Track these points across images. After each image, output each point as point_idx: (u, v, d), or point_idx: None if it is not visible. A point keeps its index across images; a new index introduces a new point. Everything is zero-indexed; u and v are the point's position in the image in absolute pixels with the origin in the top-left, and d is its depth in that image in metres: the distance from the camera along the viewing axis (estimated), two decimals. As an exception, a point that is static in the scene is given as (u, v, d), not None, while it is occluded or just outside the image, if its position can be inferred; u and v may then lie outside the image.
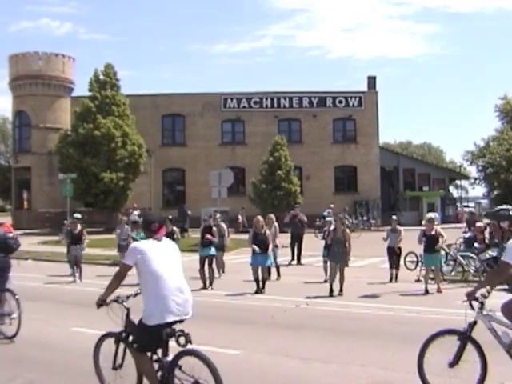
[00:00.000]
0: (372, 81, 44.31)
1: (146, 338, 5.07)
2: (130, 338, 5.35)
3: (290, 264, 18.55)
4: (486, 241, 15.80)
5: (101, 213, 34.98)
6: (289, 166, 35.76)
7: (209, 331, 8.86)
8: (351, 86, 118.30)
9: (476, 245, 15.91)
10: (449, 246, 14.63)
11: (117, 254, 17.34)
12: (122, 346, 5.51)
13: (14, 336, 8.15)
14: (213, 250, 14.32)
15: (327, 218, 17.60)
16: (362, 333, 8.83)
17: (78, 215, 17.23)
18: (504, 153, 47.93)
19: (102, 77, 35.72)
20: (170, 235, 17.00)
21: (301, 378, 6.51)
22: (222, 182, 22.61)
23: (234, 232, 27.94)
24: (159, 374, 5.08)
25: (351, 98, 43.17)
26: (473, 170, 57.37)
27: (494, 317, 5.60)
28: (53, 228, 30.98)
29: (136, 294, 5.50)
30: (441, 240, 13.14)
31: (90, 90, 35.55)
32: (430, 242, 13.06)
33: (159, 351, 5.16)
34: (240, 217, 34.39)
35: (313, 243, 19.90)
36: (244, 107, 42.56)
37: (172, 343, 5.14)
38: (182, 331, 5.04)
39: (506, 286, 13.04)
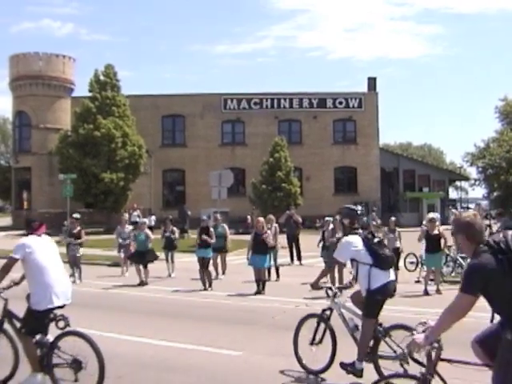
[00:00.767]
0: (372, 82, 44.38)
1: (35, 323, 5.76)
2: (5, 324, 5.97)
3: (289, 265, 18.60)
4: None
5: (101, 213, 35.02)
6: (289, 167, 35.81)
7: (209, 332, 8.87)
8: (352, 86, 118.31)
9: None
10: (449, 247, 14.61)
11: (117, 255, 17.34)
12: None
13: None
14: (209, 252, 14.22)
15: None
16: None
17: (77, 215, 17.22)
18: (504, 154, 47.99)
19: (102, 77, 35.81)
20: (169, 235, 17.11)
21: (301, 378, 6.52)
22: (222, 182, 22.61)
23: (241, 233, 27.97)
24: (39, 353, 5.77)
25: (351, 99, 43.22)
26: (473, 172, 57.53)
27: (343, 304, 6.56)
28: (53, 228, 30.93)
29: (9, 287, 5.96)
30: (442, 242, 13.13)
31: (90, 91, 35.62)
32: (433, 242, 13.03)
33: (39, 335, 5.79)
34: (249, 217, 34.29)
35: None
36: (244, 108, 42.60)
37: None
38: (62, 315, 5.78)
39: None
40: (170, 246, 16.74)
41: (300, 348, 6.67)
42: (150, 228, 20.84)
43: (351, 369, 6.09)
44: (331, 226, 14.07)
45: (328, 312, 6.56)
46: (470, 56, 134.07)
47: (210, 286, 13.87)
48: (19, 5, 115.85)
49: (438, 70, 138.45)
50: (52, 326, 5.81)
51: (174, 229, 17.50)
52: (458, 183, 57.66)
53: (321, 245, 14.65)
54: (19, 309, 5.93)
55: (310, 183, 41.29)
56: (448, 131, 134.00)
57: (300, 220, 20.01)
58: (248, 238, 14.54)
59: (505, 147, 48.46)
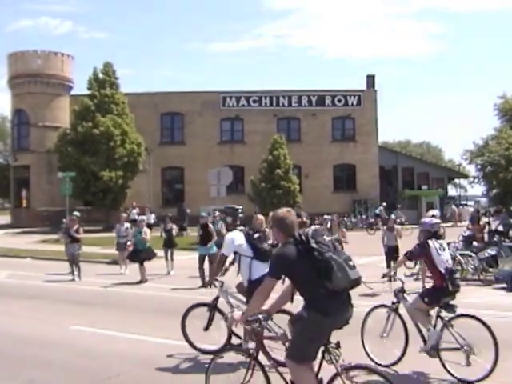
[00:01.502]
0: (371, 79, 44.31)
1: None
2: None
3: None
4: (485, 239, 15.82)
5: (100, 211, 35.00)
6: (288, 165, 35.77)
7: (208, 329, 8.86)
8: (350, 84, 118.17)
9: (475, 243, 15.93)
10: (448, 244, 14.60)
11: (116, 253, 17.34)
12: None
13: None
14: (214, 248, 14.23)
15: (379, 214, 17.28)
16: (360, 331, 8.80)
17: (76, 213, 17.23)
18: (503, 152, 47.89)
19: (101, 75, 35.75)
20: (169, 232, 17.11)
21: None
22: (221, 180, 22.61)
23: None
24: None
25: (350, 96, 43.17)
26: (472, 169, 57.41)
27: (230, 293, 7.54)
28: (52, 226, 30.96)
29: None
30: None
31: (89, 89, 35.58)
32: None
33: None
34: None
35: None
36: (243, 106, 42.54)
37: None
38: None
39: (504, 285, 13.09)
40: (169, 244, 16.75)
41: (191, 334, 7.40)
42: (150, 226, 20.86)
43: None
44: (329, 224, 14.06)
45: (216, 301, 7.48)
46: (468, 54, 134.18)
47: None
48: (17, 2, 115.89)
49: (436, 67, 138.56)
50: None
51: (173, 226, 17.52)
52: (456, 181, 57.48)
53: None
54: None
55: (308, 181, 41.26)
56: (447, 129, 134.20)
57: (307, 220, 19.65)
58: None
59: (504, 145, 48.37)
